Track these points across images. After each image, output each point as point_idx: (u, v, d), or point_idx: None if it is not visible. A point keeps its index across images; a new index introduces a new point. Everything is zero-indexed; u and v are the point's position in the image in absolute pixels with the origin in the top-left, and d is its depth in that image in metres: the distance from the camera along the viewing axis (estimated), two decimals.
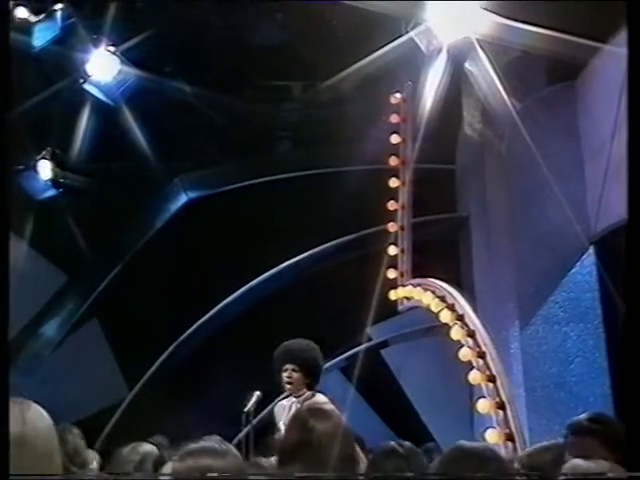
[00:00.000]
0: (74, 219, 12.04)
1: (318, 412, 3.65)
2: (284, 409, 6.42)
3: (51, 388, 11.71)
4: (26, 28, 8.64)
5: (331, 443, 3.43)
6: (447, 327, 7.16)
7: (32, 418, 2.25)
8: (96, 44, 9.99)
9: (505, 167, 8.69)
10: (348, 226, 10.08)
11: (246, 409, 6.23)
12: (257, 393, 6.41)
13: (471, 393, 9.55)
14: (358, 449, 3.92)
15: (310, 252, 10.09)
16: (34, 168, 11.88)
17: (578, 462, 3.44)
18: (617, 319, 7.79)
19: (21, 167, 12.00)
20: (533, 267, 8.15)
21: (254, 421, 6.35)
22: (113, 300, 11.89)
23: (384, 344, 10.80)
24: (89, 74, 10.17)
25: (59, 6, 8.71)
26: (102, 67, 10.28)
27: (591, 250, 8.03)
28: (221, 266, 10.51)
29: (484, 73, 8.93)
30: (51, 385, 11.80)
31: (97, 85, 10.50)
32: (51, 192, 12.13)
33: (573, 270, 8.07)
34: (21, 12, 8.37)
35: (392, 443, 4.02)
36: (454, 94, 9.50)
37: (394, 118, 9.06)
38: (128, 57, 10.28)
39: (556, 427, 6.69)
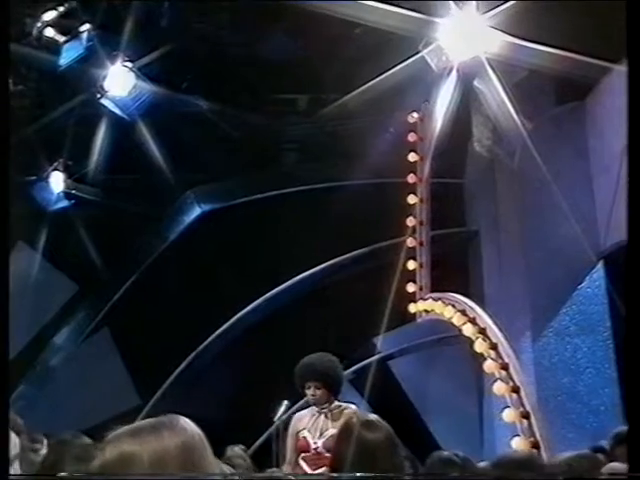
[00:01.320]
0: (87, 230, 12.24)
1: (369, 423, 3.86)
2: (307, 418, 6.64)
3: (63, 396, 11.91)
4: (53, 47, 8.87)
5: (383, 452, 3.65)
6: (469, 340, 7.39)
7: (184, 427, 2.43)
8: (113, 60, 10.20)
9: (517, 183, 8.94)
10: (361, 239, 10.29)
11: (277, 418, 6.42)
12: (285, 402, 6.62)
13: (480, 403, 9.78)
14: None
15: (324, 265, 10.30)
16: (46, 179, 12.08)
17: (615, 465, 3.64)
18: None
19: (33, 178, 12.21)
20: (545, 281, 8.40)
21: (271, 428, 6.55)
22: (125, 310, 12.06)
23: (390, 355, 11.00)
24: (106, 90, 10.35)
25: (85, 27, 8.94)
26: (118, 82, 10.48)
27: (600, 265, 8.27)
28: (234, 277, 10.69)
29: (494, 92, 9.16)
30: (63, 393, 11.99)
31: (113, 100, 10.69)
32: (63, 203, 12.32)
33: (583, 284, 8.32)
34: (49, 32, 8.59)
35: (447, 452, 4.24)
36: (463, 111, 9.73)
37: (412, 137, 9.29)
38: (144, 72, 10.50)
39: (569, 435, 6.94)
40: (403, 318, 9.03)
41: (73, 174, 12.14)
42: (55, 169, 12.11)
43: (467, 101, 9.74)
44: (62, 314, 12.59)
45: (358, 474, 3.86)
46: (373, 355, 10.12)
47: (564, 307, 8.31)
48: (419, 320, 8.98)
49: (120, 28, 9.14)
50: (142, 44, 10.01)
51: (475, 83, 9.53)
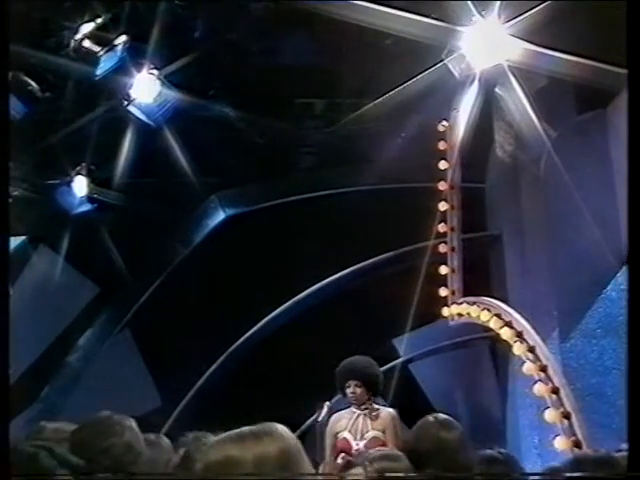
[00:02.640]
0: (111, 234, 12.40)
1: (446, 422, 4.06)
2: (346, 420, 6.87)
3: (83, 396, 12.08)
4: (90, 58, 9.09)
5: (458, 451, 3.85)
6: (507, 343, 7.59)
7: (282, 434, 2.62)
8: (139, 68, 10.37)
9: (542, 189, 9.15)
10: (386, 243, 10.50)
11: (319, 419, 6.65)
12: (327, 404, 6.85)
13: (503, 404, 9.98)
14: None
15: (351, 268, 10.52)
16: (69, 184, 12.23)
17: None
18: None
19: (57, 182, 12.37)
20: (570, 284, 8.61)
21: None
22: (149, 313, 12.22)
23: (410, 358, 11.18)
24: (132, 97, 10.51)
25: (121, 38, 9.15)
26: (143, 89, 10.63)
27: (625, 269, 8.46)
28: (260, 281, 10.87)
29: (516, 99, 9.36)
30: (85, 394, 12.15)
31: (138, 106, 10.84)
32: (86, 207, 12.46)
33: (608, 287, 8.53)
34: (86, 43, 8.80)
35: (491, 450, 4.41)
36: (485, 118, 9.92)
37: (442, 145, 9.52)
38: (169, 80, 10.67)
39: (598, 436, 7.14)
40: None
41: (97, 179, 12.28)
42: (79, 173, 12.24)
43: (489, 108, 9.93)
44: (85, 317, 12.73)
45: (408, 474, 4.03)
46: (396, 359, 10.34)
47: (590, 310, 8.53)
48: (451, 323, 9.20)
49: (148, 37, 9.30)
50: (168, 52, 10.19)
51: (497, 90, 9.73)
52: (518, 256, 9.81)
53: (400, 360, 10.18)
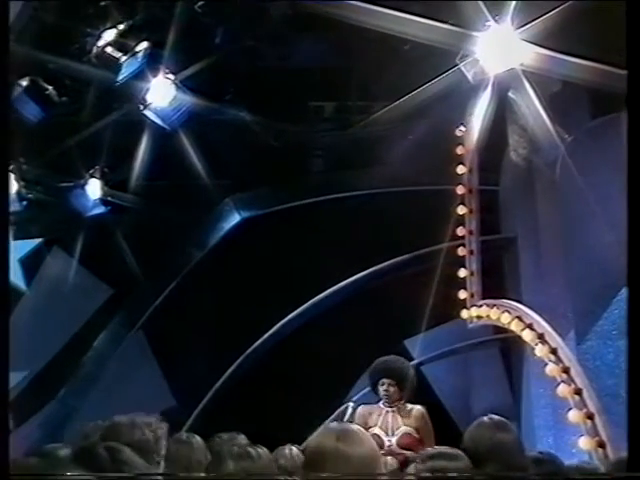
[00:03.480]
0: (125, 237, 12.50)
1: (502, 424, 4.15)
2: (375, 416, 7.06)
3: (98, 396, 12.18)
4: (111, 64, 9.22)
5: (514, 452, 3.95)
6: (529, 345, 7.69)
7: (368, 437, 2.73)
8: (156, 72, 10.46)
9: (557, 192, 9.26)
10: (401, 246, 10.62)
11: (345, 419, 6.81)
12: (351, 404, 7.02)
13: (518, 405, 10.08)
14: None
15: (368, 271, 10.64)
16: (83, 186, 12.32)
17: None
18: None
19: (71, 185, 12.47)
20: (586, 286, 8.70)
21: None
22: (162, 315, 12.31)
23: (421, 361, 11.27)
24: (148, 102, 10.60)
25: (143, 44, 9.27)
26: (159, 93, 10.72)
27: None
28: (276, 283, 10.98)
29: (529, 104, 9.46)
30: (97, 393, 12.26)
31: (154, 110, 10.94)
32: (100, 210, 12.55)
33: (623, 289, 8.60)
34: (108, 49, 8.92)
35: (533, 452, 4.50)
36: (499, 121, 10.02)
37: (460, 149, 9.64)
38: (185, 84, 10.77)
39: (615, 437, 7.23)
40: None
41: (111, 181, 12.37)
42: (92, 176, 12.32)
43: (502, 111, 10.03)
44: (99, 319, 12.81)
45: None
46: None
47: (606, 312, 8.62)
48: (470, 325, 9.32)
49: (167, 42, 9.41)
50: (185, 57, 10.30)
51: (510, 94, 9.82)
52: (533, 259, 9.92)
53: (415, 362, 10.26)
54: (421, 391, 10.69)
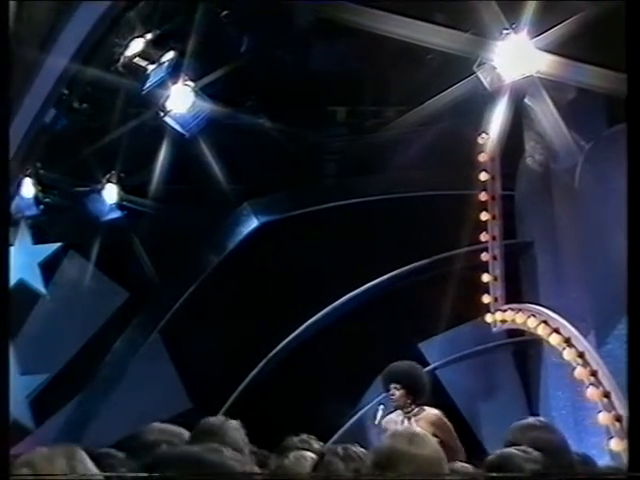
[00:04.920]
0: (142, 242, 12.62)
1: (548, 426, 4.28)
2: (395, 423, 7.18)
3: (119, 399, 12.29)
4: (139, 74, 9.37)
5: (559, 451, 4.08)
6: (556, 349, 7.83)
7: (422, 441, 2.88)
8: (175, 79, 10.57)
9: (576, 199, 9.41)
10: (420, 251, 10.75)
11: (377, 421, 6.98)
12: (382, 406, 7.16)
13: (531, 409, 10.20)
14: None
15: (386, 276, 10.77)
16: (100, 192, 12.43)
17: None
18: None
19: (87, 189, 12.59)
20: (605, 290, 8.81)
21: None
22: (180, 320, 12.41)
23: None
24: (168, 109, 10.70)
25: (170, 54, 9.42)
26: (178, 100, 10.84)
27: None
28: (296, 288, 11.09)
29: (546, 110, 9.59)
30: (118, 397, 12.37)
31: (172, 117, 11.05)
32: (116, 214, 12.66)
33: None
34: (138, 60, 9.06)
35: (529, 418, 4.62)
36: (515, 127, 10.15)
37: (482, 157, 9.79)
38: (204, 91, 10.88)
39: None
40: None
41: (127, 186, 12.48)
42: (109, 181, 12.43)
43: (519, 118, 10.16)
44: (115, 323, 12.91)
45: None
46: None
47: (625, 315, 8.69)
48: (494, 329, 9.47)
49: (192, 51, 9.54)
50: (205, 64, 10.43)
51: (526, 101, 9.95)
52: (551, 263, 10.06)
53: (431, 367, 10.41)
54: (436, 395, 10.85)
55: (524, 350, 10.74)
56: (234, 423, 4.42)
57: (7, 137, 3.76)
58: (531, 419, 4.38)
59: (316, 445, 4.98)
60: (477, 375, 11.14)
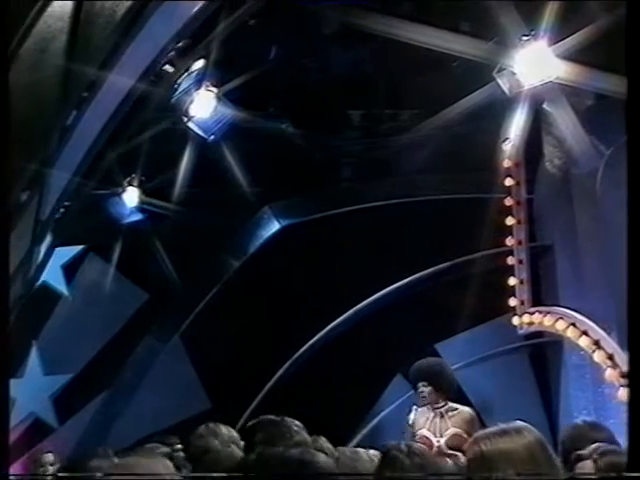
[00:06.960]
0: (163, 245, 12.74)
1: (597, 426, 4.42)
2: (426, 419, 7.36)
3: (141, 400, 12.42)
4: (169, 82, 9.53)
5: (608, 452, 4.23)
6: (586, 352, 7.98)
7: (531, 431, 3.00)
8: (199, 85, 10.72)
9: (597, 203, 9.57)
10: (440, 254, 10.91)
11: (410, 422, 7.18)
12: (415, 407, 7.36)
13: (549, 412, 10.34)
14: None
15: (408, 279, 10.93)
16: (120, 195, 12.54)
17: None
18: None
19: (107, 192, 12.69)
20: (625, 294, 8.93)
21: None
22: (201, 322, 12.54)
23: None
24: (192, 115, 10.84)
25: (199, 62, 9.59)
26: (201, 105, 10.98)
27: None
28: (318, 291, 11.21)
29: (565, 116, 9.74)
30: (140, 397, 12.50)
31: (195, 122, 11.19)
32: (136, 217, 12.78)
33: None
34: (168, 68, 9.22)
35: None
36: (533, 132, 10.31)
37: (507, 162, 9.96)
38: (226, 97, 11.03)
39: None
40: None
41: (148, 190, 12.59)
42: (130, 185, 12.53)
43: (538, 123, 10.32)
44: (136, 325, 13.02)
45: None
46: None
47: None
48: (520, 332, 9.65)
49: (219, 59, 9.68)
50: (229, 70, 10.58)
51: (545, 106, 10.10)
52: (571, 266, 10.20)
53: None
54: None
55: (543, 351, 10.88)
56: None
57: (7, 138, 3.77)
58: (580, 420, 4.51)
59: (327, 445, 5.10)
60: (496, 376, 11.28)
